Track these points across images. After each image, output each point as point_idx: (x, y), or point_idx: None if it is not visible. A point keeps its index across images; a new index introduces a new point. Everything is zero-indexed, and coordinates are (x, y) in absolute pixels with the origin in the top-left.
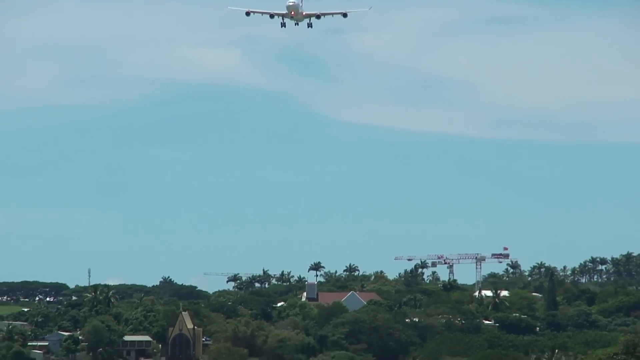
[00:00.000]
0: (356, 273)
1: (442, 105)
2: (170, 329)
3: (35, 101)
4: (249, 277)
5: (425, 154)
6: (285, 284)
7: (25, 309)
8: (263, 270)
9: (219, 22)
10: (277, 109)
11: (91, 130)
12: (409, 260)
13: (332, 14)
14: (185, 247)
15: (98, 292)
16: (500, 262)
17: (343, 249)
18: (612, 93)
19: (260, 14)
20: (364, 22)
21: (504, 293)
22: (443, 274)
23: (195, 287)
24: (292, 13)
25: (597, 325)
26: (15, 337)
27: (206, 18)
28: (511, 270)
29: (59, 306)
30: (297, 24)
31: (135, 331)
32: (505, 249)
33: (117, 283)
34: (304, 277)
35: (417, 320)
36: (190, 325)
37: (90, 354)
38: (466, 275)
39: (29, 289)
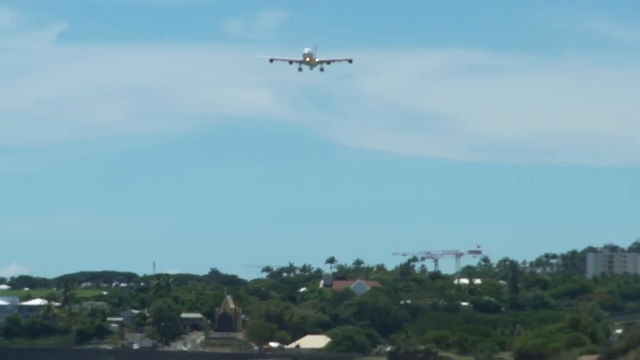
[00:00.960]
0: (362, 265)
1: (429, 134)
2: (217, 308)
3: (111, 131)
4: (279, 268)
5: (417, 172)
6: (306, 273)
7: (105, 293)
8: (289, 263)
9: (255, 69)
10: (300, 137)
11: (154, 154)
12: (403, 255)
13: (340, 60)
14: (228, 244)
15: (161, 280)
16: (475, 257)
17: (352, 247)
18: (564, 125)
19: (282, 61)
20: (368, 69)
21: (477, 281)
22: (430, 267)
23: (236, 276)
24: (307, 59)
25: (549, 306)
26: (97, 314)
27: (245, 65)
28: (483, 263)
29: (131, 290)
30: (311, 68)
31: (189, 310)
32: (479, 247)
33: (175, 272)
34: (321, 269)
35: (409, 302)
36: (232, 306)
37: (155, 327)
38: (448, 267)
39: (107, 276)
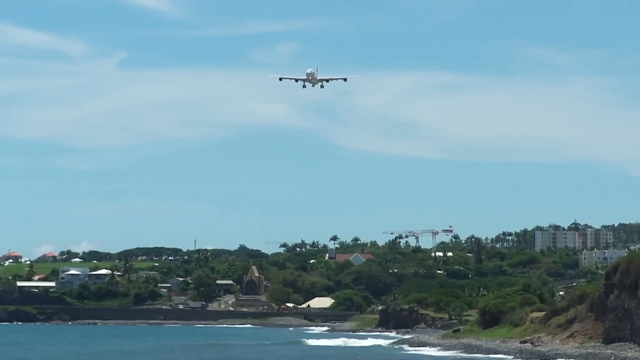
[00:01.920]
0: (359, 242)
1: (410, 138)
2: (244, 276)
3: (161, 136)
4: (293, 244)
5: (401, 168)
6: (315, 248)
7: (156, 264)
8: (301, 240)
9: (273, 88)
10: (309, 141)
11: (194, 154)
12: (391, 233)
13: (337, 79)
14: (254, 225)
15: (200, 254)
16: (447, 235)
17: (351, 227)
18: (516, 130)
19: (289, 79)
20: (362, 88)
21: (449, 254)
22: (412, 242)
23: (260, 250)
24: (310, 78)
25: (506, 273)
26: (150, 281)
27: (266, 85)
28: (454, 239)
29: (177, 262)
30: (313, 85)
31: (223, 277)
32: (450, 226)
33: (212, 248)
34: (326, 245)
35: (396, 271)
36: (256, 274)
37: (196, 291)
38: (426, 243)
39: (158, 251)
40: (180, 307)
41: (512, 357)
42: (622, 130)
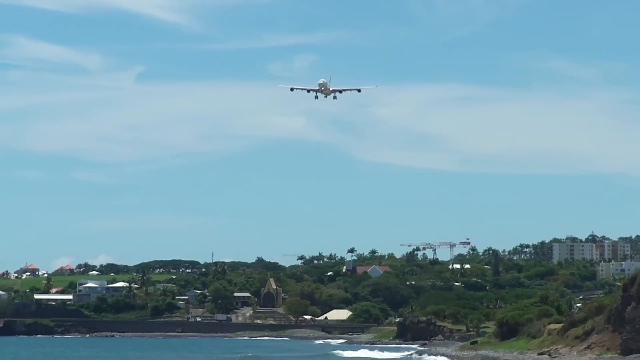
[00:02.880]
0: (376, 254)
1: (428, 151)
2: (262, 288)
3: (178, 149)
4: (311, 257)
5: (419, 181)
6: (332, 261)
7: (174, 277)
8: (319, 252)
9: (291, 100)
10: (327, 154)
11: (212, 167)
12: (409, 246)
13: (350, 89)
14: (271, 238)
15: (218, 266)
16: (465, 247)
17: (368, 239)
18: (534, 142)
19: (301, 90)
20: (380, 100)
21: (467, 266)
22: (430, 255)
23: (277, 263)
24: (322, 88)
25: (523, 285)
26: (168, 293)
27: (284, 98)
28: (471, 252)
29: (194, 275)
30: (325, 96)
31: (240, 290)
32: (468, 239)
33: (229, 260)
34: (344, 257)
35: (414, 283)
36: (274, 287)
37: (213, 304)
38: (444, 255)
39: (175, 264)
40: (198, 319)
41: None
42: None
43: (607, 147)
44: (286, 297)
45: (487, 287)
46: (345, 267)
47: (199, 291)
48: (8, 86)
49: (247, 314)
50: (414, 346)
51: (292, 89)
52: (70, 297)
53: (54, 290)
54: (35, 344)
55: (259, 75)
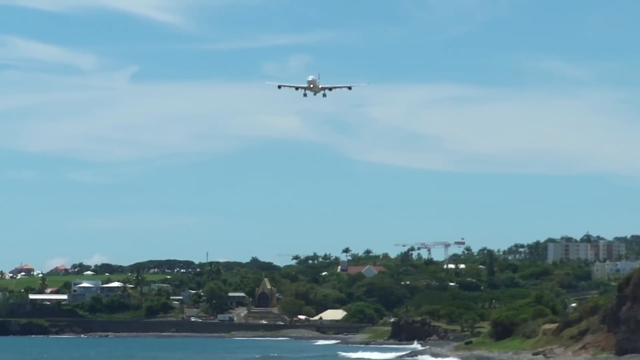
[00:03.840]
0: (371, 254)
1: (422, 151)
2: (257, 288)
3: (172, 149)
4: (305, 257)
5: (413, 181)
6: (327, 260)
7: (168, 277)
8: (313, 252)
9: (285, 100)
10: (321, 154)
11: (206, 167)
12: (403, 246)
13: (341, 87)
14: (265, 238)
15: (212, 266)
16: (460, 247)
17: (363, 239)
18: (527, 142)
19: (289, 87)
20: (374, 100)
21: (462, 266)
22: (424, 255)
23: (272, 263)
24: (311, 86)
25: (518, 285)
26: (162, 293)
27: (277, 98)
28: (466, 252)
29: (189, 275)
30: (315, 94)
31: (235, 290)
32: (462, 239)
33: (224, 260)
34: (338, 257)
35: (408, 283)
36: (269, 287)
37: (208, 304)
38: (438, 255)
39: (170, 264)
40: (198, 319)
41: None
42: (635, 142)
43: (602, 147)
44: (281, 297)
45: (482, 287)
46: (340, 267)
47: (193, 291)
48: (2, 86)
49: (242, 314)
50: (411, 346)
51: (279, 87)
52: (65, 297)
53: (48, 290)
54: (32, 345)
55: (253, 75)
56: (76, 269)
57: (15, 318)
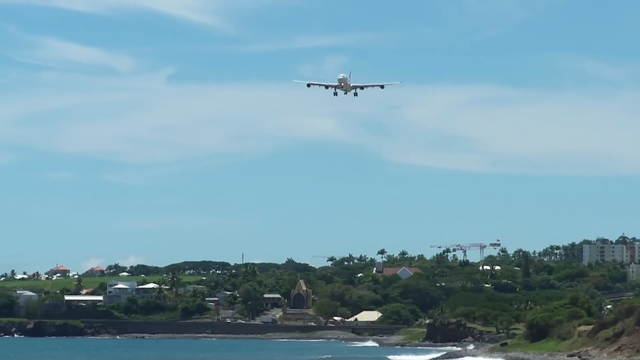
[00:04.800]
0: (406, 255)
1: (458, 152)
2: (292, 290)
3: (208, 150)
4: (341, 258)
5: (449, 182)
6: (362, 262)
7: (204, 278)
8: (349, 253)
9: (322, 102)
10: (358, 155)
11: (242, 169)
12: (439, 247)
13: (373, 85)
14: (301, 239)
15: (248, 267)
16: (495, 248)
17: (398, 241)
18: (563, 144)
19: (318, 85)
20: (411, 102)
21: (497, 267)
22: (460, 256)
23: (307, 264)
24: (342, 84)
25: (553, 287)
26: (198, 294)
27: (314, 99)
28: (501, 253)
29: (224, 276)
30: (345, 93)
31: (270, 291)
32: (498, 240)
33: (259, 262)
34: (374, 258)
35: (444, 284)
36: (304, 288)
37: (243, 305)
38: (474, 256)
39: (206, 265)
40: (228, 320)
41: None
42: None
43: (638, 148)
44: (316, 298)
45: (517, 289)
46: (375, 268)
47: (229, 292)
48: (39, 87)
49: (277, 316)
50: (447, 348)
51: (309, 85)
52: (100, 298)
53: (84, 291)
54: (69, 345)
55: (288, 77)
56: (112, 270)
57: (51, 319)
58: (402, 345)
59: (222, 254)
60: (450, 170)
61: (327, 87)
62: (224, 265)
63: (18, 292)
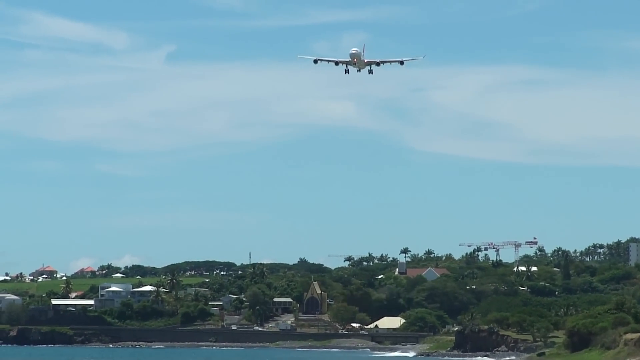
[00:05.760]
0: (432, 255)
1: (490, 140)
2: (305, 293)
3: (212, 138)
4: (359, 258)
5: (480, 173)
6: (383, 262)
7: (206, 280)
8: (368, 253)
9: (339, 83)
10: (378, 143)
11: (249, 158)
12: (468, 246)
13: (391, 61)
14: (315, 237)
15: (256, 268)
16: (531, 247)
17: (423, 238)
18: (607, 131)
19: (327, 62)
20: (437, 83)
21: (534, 268)
22: (492, 256)
23: (322, 265)
24: (355, 60)
25: (597, 290)
26: (200, 298)
27: (330, 80)
28: (539, 252)
29: (229, 278)
30: (359, 70)
31: (281, 295)
32: (535, 238)
33: (268, 262)
34: (396, 258)
35: (474, 287)
36: (318, 291)
37: (251, 310)
38: (508, 256)
39: (209, 265)
40: (233, 327)
41: None
42: None
43: None
44: (332, 302)
45: (556, 292)
46: (398, 269)
47: (234, 296)
48: (23, 68)
49: (289, 322)
50: (477, 359)
51: (315, 61)
52: (91, 302)
53: (73, 294)
54: (61, 355)
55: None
56: (104, 271)
57: (36, 326)
58: (428, 355)
59: (227, 253)
60: (481, 160)
61: (337, 63)
62: (229, 266)
63: (0, 295)
